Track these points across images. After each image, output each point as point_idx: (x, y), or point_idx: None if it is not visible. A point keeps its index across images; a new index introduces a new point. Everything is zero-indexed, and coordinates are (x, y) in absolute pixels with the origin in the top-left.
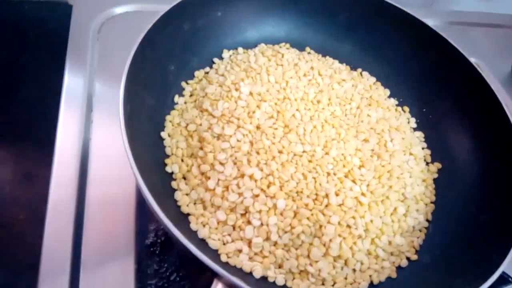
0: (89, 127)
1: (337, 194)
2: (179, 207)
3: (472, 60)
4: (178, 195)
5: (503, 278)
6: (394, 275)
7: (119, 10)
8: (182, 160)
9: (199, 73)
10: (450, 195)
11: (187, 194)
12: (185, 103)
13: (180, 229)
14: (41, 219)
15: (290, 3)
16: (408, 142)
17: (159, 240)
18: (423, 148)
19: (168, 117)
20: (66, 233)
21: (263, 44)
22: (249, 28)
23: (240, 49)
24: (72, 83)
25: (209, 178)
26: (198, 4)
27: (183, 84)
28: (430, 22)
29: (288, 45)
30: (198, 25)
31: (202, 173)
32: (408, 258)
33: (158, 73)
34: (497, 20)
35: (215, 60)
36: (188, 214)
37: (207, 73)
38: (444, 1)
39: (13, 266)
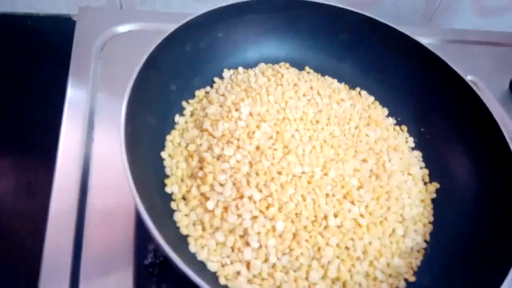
0: (91, 144)
1: (335, 216)
2: (178, 228)
3: (470, 78)
4: (177, 216)
5: None
6: None
7: (122, 28)
8: (182, 181)
9: (199, 93)
10: (448, 215)
11: (186, 215)
12: (186, 122)
13: (179, 251)
14: (42, 231)
15: (290, 24)
16: (406, 162)
17: (157, 261)
18: (421, 168)
19: (168, 137)
20: (65, 247)
21: (263, 64)
22: (249, 48)
23: (241, 69)
24: (74, 100)
25: (208, 199)
26: (200, 26)
27: (184, 103)
28: (427, 40)
29: (287, 65)
30: (200, 46)
31: (202, 194)
32: (406, 280)
33: (159, 94)
34: (495, 38)
35: (216, 79)
36: (187, 235)
37: (207, 92)
38: (442, 19)
39: (14, 277)
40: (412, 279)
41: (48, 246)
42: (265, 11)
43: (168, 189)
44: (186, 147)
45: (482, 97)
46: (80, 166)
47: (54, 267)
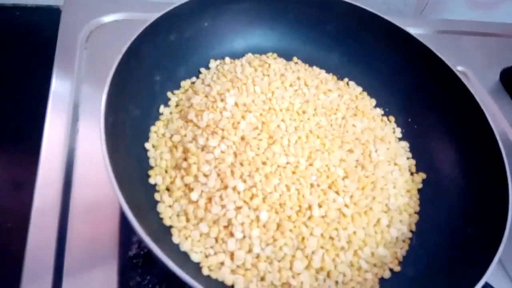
0: (75, 136)
1: (320, 206)
2: (161, 219)
3: (461, 68)
4: (160, 207)
5: None
6: (376, 287)
7: (107, 18)
8: (166, 172)
9: (185, 83)
10: (434, 205)
11: (170, 206)
12: (171, 113)
13: (161, 242)
14: (27, 227)
15: (278, 14)
16: (393, 152)
17: (142, 252)
18: (408, 158)
19: (153, 128)
20: (49, 241)
21: (250, 54)
22: (236, 38)
23: (227, 59)
24: (59, 91)
25: (192, 189)
26: (185, 15)
27: (169, 94)
28: (419, 30)
29: (275, 55)
30: (185, 36)
31: (186, 185)
32: (391, 270)
33: (143, 84)
34: (486, 28)
35: (202, 70)
36: (171, 226)
37: (193, 83)
38: (435, 10)
39: None
40: (397, 268)
41: (31, 240)
42: (252, 0)
43: (152, 180)
44: (170, 138)
45: (472, 88)
46: (64, 159)
47: (37, 261)
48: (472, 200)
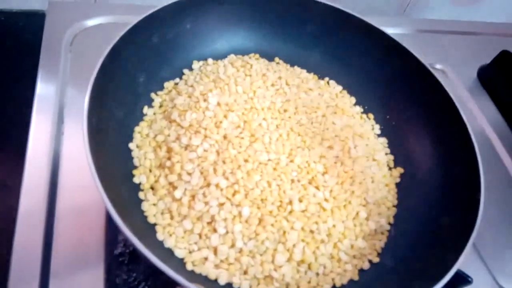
0: (60, 138)
1: (300, 201)
2: (146, 217)
3: (439, 66)
4: (145, 206)
5: (463, 279)
6: (356, 278)
7: (91, 22)
8: (150, 171)
9: (168, 84)
10: (412, 199)
11: (154, 204)
12: (154, 114)
13: (145, 240)
14: (12, 230)
15: (259, 15)
16: (372, 148)
17: (127, 250)
18: (386, 154)
19: (136, 128)
20: (35, 243)
21: (232, 55)
22: (219, 39)
23: (210, 60)
24: (44, 94)
25: (176, 188)
26: (167, 17)
27: (153, 95)
28: (399, 30)
29: (257, 56)
30: (167, 37)
31: (170, 183)
32: (370, 261)
33: (127, 85)
34: (465, 27)
35: (185, 71)
36: (155, 224)
37: (176, 84)
38: (417, 9)
39: None
40: (375, 260)
41: (17, 242)
42: (234, 2)
43: (136, 180)
44: (154, 137)
45: (450, 85)
46: (49, 161)
47: (24, 263)
48: (447, 192)
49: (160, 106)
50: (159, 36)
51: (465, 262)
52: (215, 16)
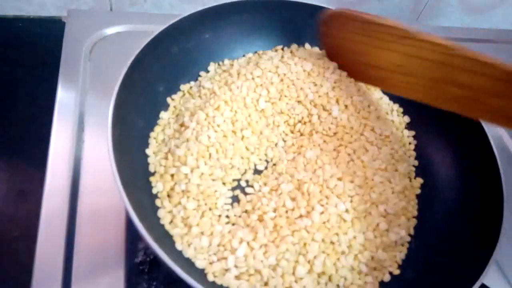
0: (81, 146)
1: (321, 212)
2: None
3: None
4: (161, 213)
5: None
6: None
7: (110, 30)
8: (163, 177)
9: (184, 87)
10: (432, 210)
11: (169, 212)
12: (168, 118)
13: (166, 249)
14: (34, 236)
15: (277, 24)
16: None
17: (148, 259)
18: (408, 165)
19: (152, 134)
20: (57, 250)
21: (250, 54)
22: (236, 48)
23: (226, 61)
24: (64, 102)
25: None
26: (186, 28)
27: (168, 99)
28: None
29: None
30: (187, 47)
31: (183, 191)
32: (390, 273)
33: (147, 95)
34: (479, 35)
35: (201, 73)
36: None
37: (191, 87)
38: (431, 17)
39: (7, 283)
40: (396, 272)
41: (40, 248)
42: (251, 11)
43: (153, 187)
44: (165, 143)
45: None
46: (70, 168)
47: (46, 268)
48: (468, 203)
49: (174, 110)
50: (179, 46)
51: (488, 276)
52: (234, 25)
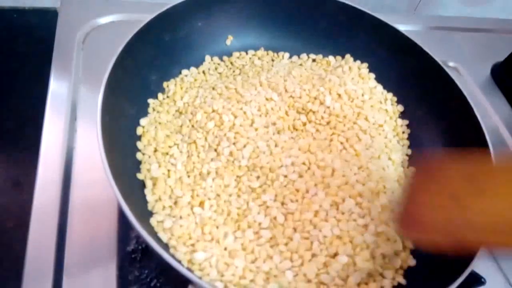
0: (73, 135)
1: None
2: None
3: (452, 64)
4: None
5: (477, 279)
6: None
7: (104, 20)
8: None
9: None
10: None
11: (157, 201)
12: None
13: (155, 237)
14: (28, 227)
15: (270, 12)
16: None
17: (140, 247)
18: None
19: (142, 121)
20: (49, 240)
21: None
22: (230, 37)
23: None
24: (57, 92)
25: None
26: (178, 16)
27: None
28: (411, 27)
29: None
30: (179, 36)
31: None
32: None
33: (139, 83)
34: (478, 24)
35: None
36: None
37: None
38: (428, 7)
39: (1, 274)
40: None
41: (32, 238)
42: (246, 0)
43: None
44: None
45: (463, 83)
46: (63, 158)
47: (38, 259)
48: None
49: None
50: (171, 34)
51: (478, 263)
52: (227, 14)
